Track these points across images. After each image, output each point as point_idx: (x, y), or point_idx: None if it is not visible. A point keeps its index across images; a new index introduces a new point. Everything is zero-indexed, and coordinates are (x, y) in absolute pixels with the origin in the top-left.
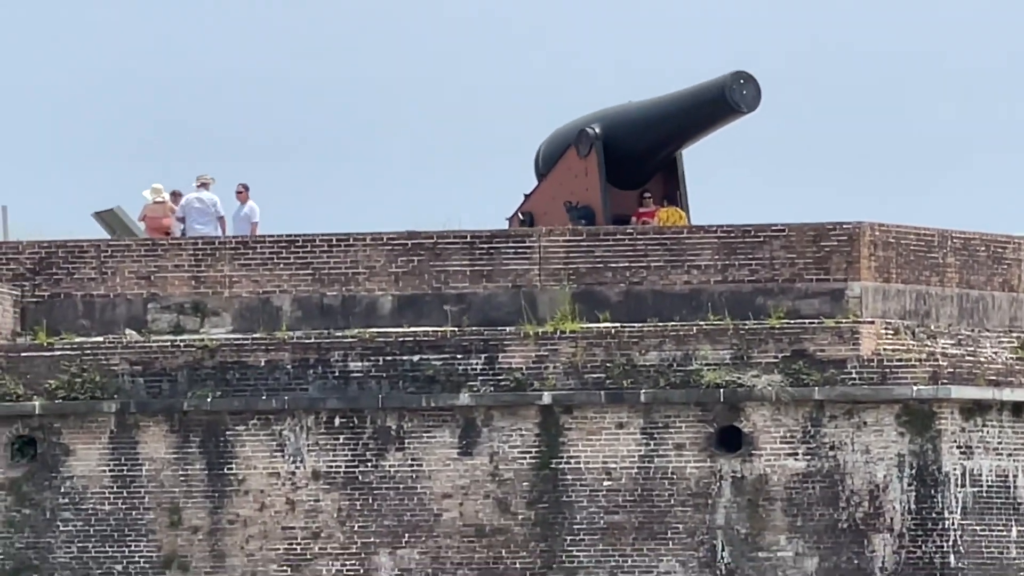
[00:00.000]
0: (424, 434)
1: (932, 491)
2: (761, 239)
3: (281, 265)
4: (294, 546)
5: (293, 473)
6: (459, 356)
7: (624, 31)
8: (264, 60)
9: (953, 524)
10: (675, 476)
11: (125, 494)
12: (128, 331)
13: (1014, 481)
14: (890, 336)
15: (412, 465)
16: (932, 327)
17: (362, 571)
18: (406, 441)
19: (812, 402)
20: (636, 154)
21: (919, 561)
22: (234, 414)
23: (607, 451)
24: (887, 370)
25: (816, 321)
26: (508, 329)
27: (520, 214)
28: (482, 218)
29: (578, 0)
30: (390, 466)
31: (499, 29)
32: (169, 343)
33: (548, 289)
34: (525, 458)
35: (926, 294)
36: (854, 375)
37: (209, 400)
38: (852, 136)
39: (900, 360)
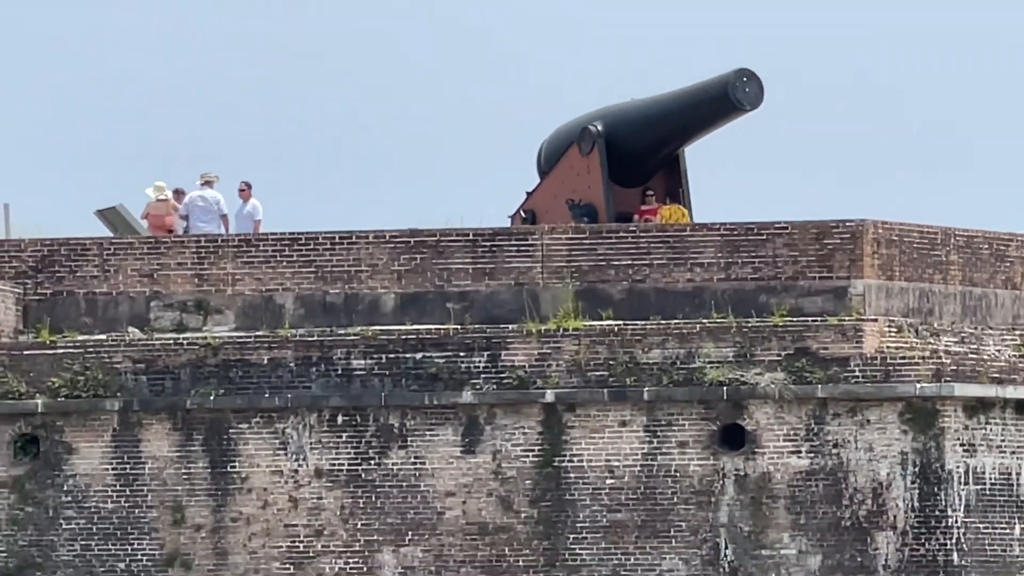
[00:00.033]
0: (427, 432)
1: (935, 489)
2: (764, 237)
3: (284, 263)
4: (297, 544)
5: (296, 471)
6: (462, 354)
7: (626, 29)
8: (267, 58)
9: (956, 522)
10: (678, 474)
11: (128, 492)
12: (131, 329)
13: (1017, 478)
14: (893, 334)
15: (415, 463)
16: (935, 325)
17: (365, 569)
18: (409, 439)
19: (815, 400)
20: (638, 152)
21: (922, 559)
22: (237, 412)
23: (610, 449)
24: (890, 368)
25: (819, 319)
26: (511, 327)
27: (522, 212)
28: (484, 216)
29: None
30: (393, 464)
31: (501, 28)
32: (172, 341)
33: (551, 287)
34: (528, 456)
35: (929, 292)
36: (857, 373)
37: (212, 398)
38: (855, 134)
39: (903, 358)
